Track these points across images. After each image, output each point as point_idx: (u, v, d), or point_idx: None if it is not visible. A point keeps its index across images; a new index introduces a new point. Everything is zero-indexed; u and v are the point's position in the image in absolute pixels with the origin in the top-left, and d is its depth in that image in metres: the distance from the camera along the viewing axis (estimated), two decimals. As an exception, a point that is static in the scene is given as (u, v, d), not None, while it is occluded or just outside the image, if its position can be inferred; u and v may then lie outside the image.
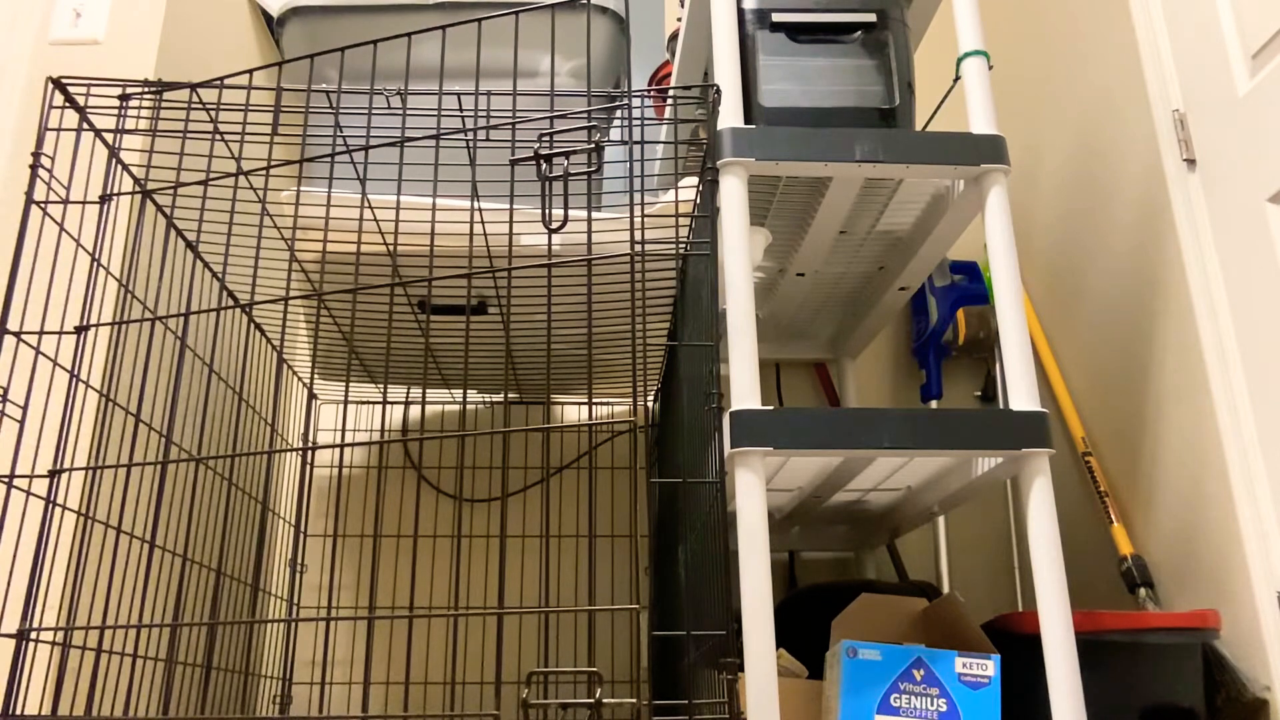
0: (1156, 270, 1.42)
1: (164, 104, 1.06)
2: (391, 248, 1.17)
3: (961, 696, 1.04)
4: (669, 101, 1.23)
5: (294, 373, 1.77)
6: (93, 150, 1.23)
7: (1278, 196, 1.20)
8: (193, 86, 1.03)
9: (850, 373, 1.85)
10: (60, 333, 1.14)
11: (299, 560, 1.78)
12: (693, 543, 1.15)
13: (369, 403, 1.86)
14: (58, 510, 1.10)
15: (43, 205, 1.03)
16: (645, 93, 1.90)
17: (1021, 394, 1.10)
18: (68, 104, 1.02)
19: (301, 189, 1.17)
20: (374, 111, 1.04)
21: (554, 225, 0.90)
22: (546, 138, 0.92)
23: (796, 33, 1.27)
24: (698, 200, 1.16)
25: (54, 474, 0.95)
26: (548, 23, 1.35)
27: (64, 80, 1.02)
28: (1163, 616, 1.17)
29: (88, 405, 1.17)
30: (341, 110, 1.13)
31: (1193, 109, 1.37)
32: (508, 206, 1.18)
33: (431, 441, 1.86)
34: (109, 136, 1.05)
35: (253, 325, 1.50)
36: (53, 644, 1.05)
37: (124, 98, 1.05)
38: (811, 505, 1.48)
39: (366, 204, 1.21)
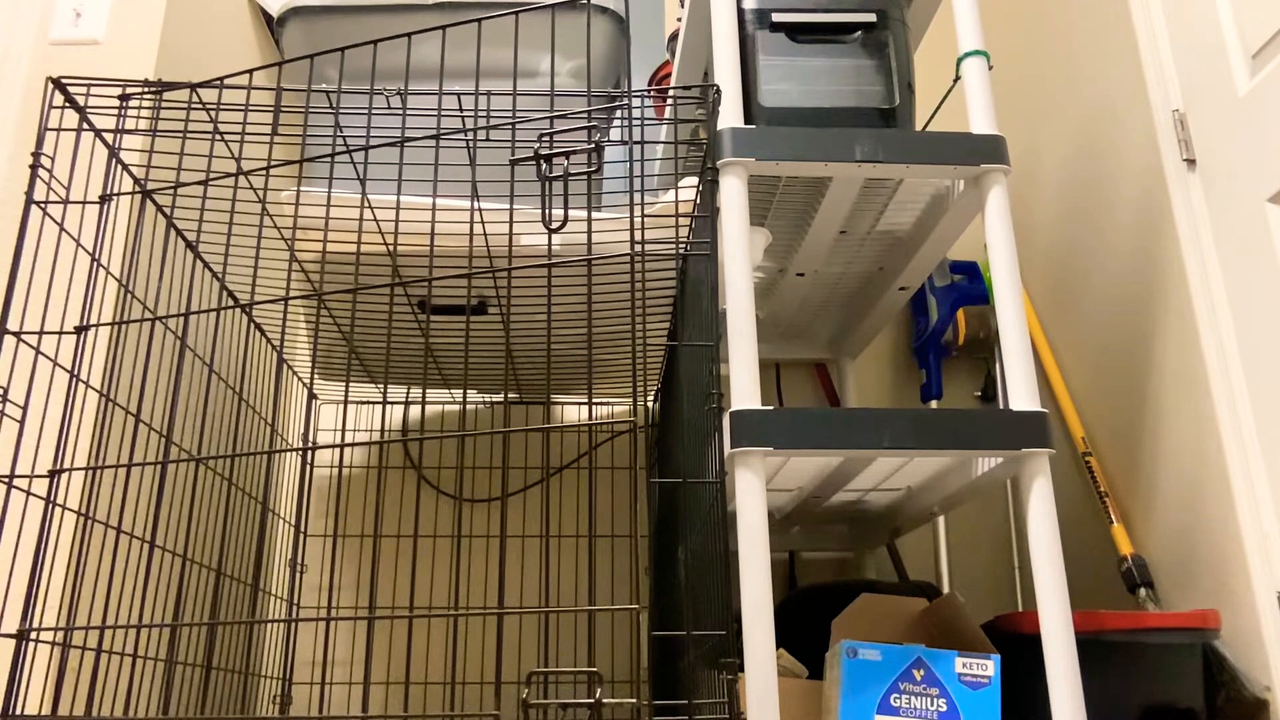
0: (1156, 270, 1.42)
1: (164, 104, 1.06)
2: (391, 248, 1.17)
3: (961, 696, 1.04)
4: (669, 101, 1.23)
5: (294, 373, 1.77)
6: (93, 150, 1.23)
7: (1278, 196, 1.20)
8: (193, 86, 1.03)
9: (850, 373, 1.85)
10: (60, 333, 1.14)
11: (299, 560, 1.78)
12: (693, 543, 1.15)
13: (369, 403, 1.86)
14: (58, 510, 1.10)
15: (43, 205, 1.03)
16: (645, 93, 1.90)
17: (1021, 394, 1.10)
18: (68, 104, 1.02)
19: (301, 189, 1.17)
20: (374, 111, 1.04)
21: (554, 225, 0.90)
22: (546, 138, 0.92)
23: (796, 33, 1.27)
24: (698, 200, 1.16)
25: (54, 474, 0.95)
26: (548, 23, 1.35)
27: (64, 80, 1.02)
28: (1163, 616, 1.17)
29: (88, 405, 1.17)
30: (341, 110, 1.13)
31: (1193, 109, 1.36)
32: (508, 206, 1.18)
33: (431, 441, 1.86)
34: (109, 136, 1.05)
35: (253, 325, 1.50)
36: (53, 644, 1.05)
37: (124, 98, 1.05)
38: (811, 505, 1.48)
39: (366, 204, 1.21)
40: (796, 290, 1.65)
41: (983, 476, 1.18)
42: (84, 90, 1.03)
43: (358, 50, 1.32)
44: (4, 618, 1.04)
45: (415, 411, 1.88)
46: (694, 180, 1.20)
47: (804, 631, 1.33)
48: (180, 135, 1.05)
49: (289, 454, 1.79)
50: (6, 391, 1.11)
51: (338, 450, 1.83)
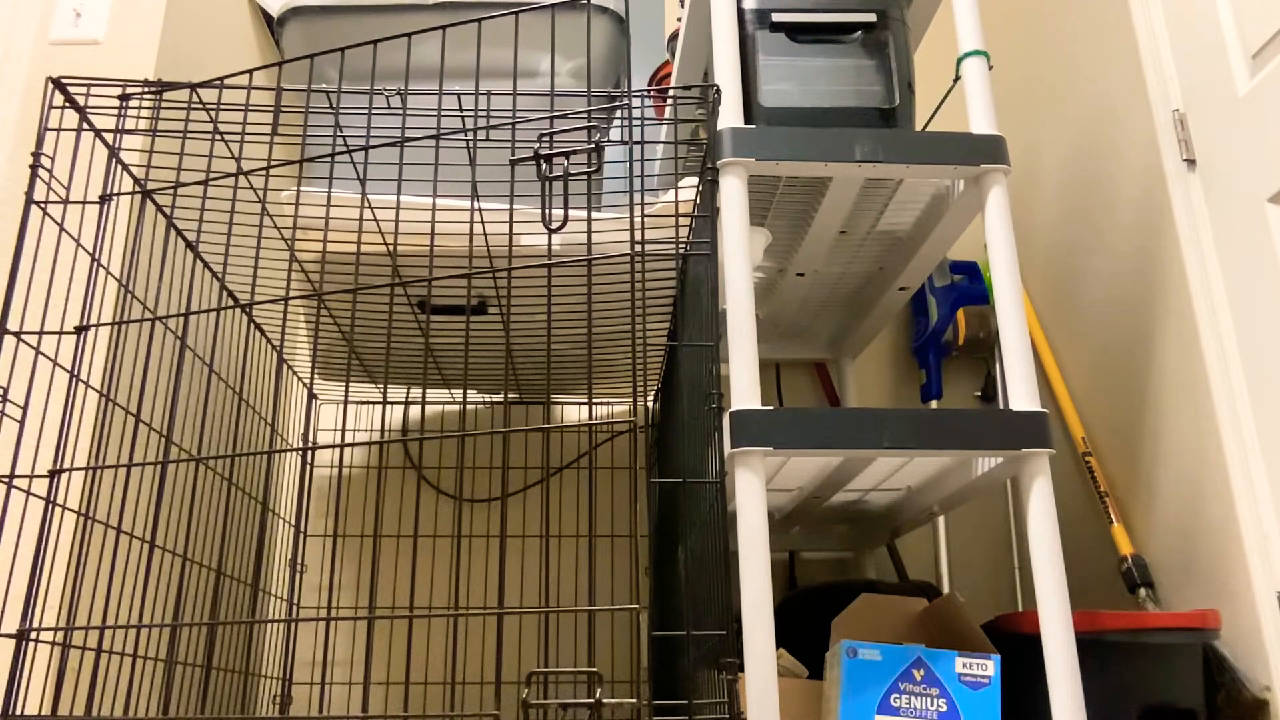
0: (1156, 270, 1.42)
1: (164, 104, 1.06)
2: (391, 248, 1.17)
3: (961, 696, 1.04)
4: (669, 101, 1.23)
5: (294, 373, 1.77)
6: (93, 150, 1.23)
7: (1278, 196, 1.20)
8: (193, 86, 1.03)
9: (850, 373, 1.85)
10: (60, 333, 1.14)
11: (299, 560, 1.78)
12: (693, 543, 1.15)
13: (369, 403, 1.86)
14: (58, 510, 1.10)
15: (43, 205, 1.03)
16: (645, 93, 1.90)
17: (1021, 394, 1.10)
18: (68, 104, 1.02)
19: (301, 189, 1.17)
20: (374, 111, 1.04)
21: (554, 225, 0.90)
22: (546, 138, 0.92)
23: (796, 33, 1.27)
24: (698, 200, 1.16)
25: (54, 474, 0.95)
26: (548, 23, 1.35)
27: (64, 80, 1.02)
28: (1163, 616, 1.17)
29: (88, 405, 1.17)
30: (341, 110, 1.13)
31: (1193, 109, 1.36)
32: (508, 206, 1.18)
33: (431, 441, 1.86)
34: (109, 136, 1.05)
35: (253, 325, 1.50)
36: (53, 644, 1.05)
37: (124, 98, 1.05)
38: (811, 505, 1.48)
39: (366, 204, 1.21)
40: (796, 290, 1.65)
41: (983, 476, 1.18)
42: (84, 90, 1.03)
43: (358, 50, 1.32)
44: (4, 618, 1.04)
45: (415, 411, 1.88)
46: (694, 180, 1.20)
47: (804, 631, 1.33)
48: (180, 135, 1.05)
49: (289, 454, 1.79)
50: (6, 391, 1.11)
51: (338, 450, 1.83)
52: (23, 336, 1.11)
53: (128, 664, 1.20)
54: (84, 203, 1.21)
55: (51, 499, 0.95)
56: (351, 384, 1.75)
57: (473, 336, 1.53)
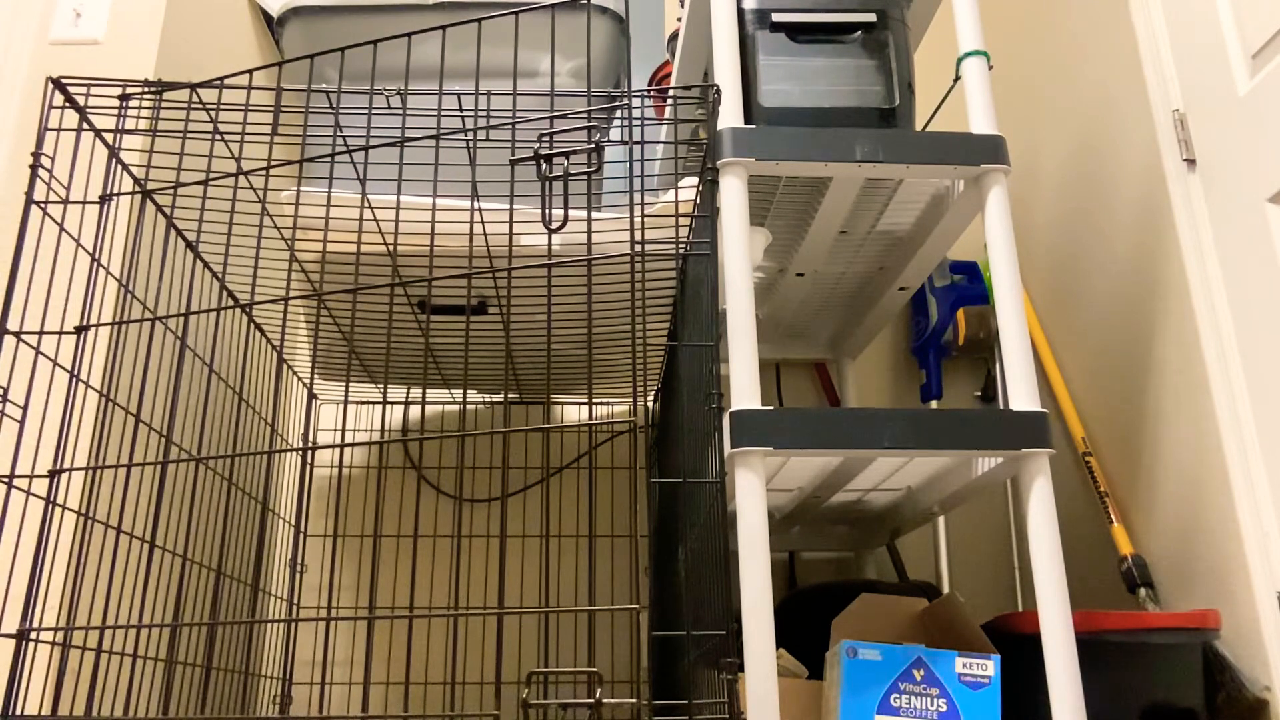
0: (1156, 270, 1.42)
1: (164, 104, 1.06)
2: (391, 248, 1.17)
3: (961, 696, 1.04)
4: (669, 101, 1.23)
5: (294, 373, 1.77)
6: (93, 150, 1.23)
7: (1278, 196, 1.20)
8: (193, 86, 1.03)
9: (850, 373, 1.85)
10: (60, 333, 1.14)
11: (299, 560, 1.78)
12: (693, 543, 1.15)
13: (369, 403, 1.86)
14: (58, 510, 1.10)
15: (43, 205, 1.03)
16: (645, 93, 1.90)
17: (1021, 394, 1.10)
18: (68, 104, 1.02)
19: (301, 189, 1.17)
20: (374, 111, 1.04)
21: (554, 225, 0.90)
22: (546, 138, 0.92)
23: (796, 33, 1.27)
24: (698, 200, 1.16)
25: (54, 474, 0.95)
26: (548, 23, 1.35)
27: (64, 80, 1.02)
28: (1163, 616, 1.17)
29: (88, 405, 1.17)
30: (341, 110, 1.13)
31: (1193, 109, 1.36)
32: (508, 206, 1.18)
33: (431, 441, 1.86)
34: (109, 136, 1.05)
35: (253, 325, 1.50)
36: (53, 644, 1.05)
37: (124, 98, 1.05)
38: (811, 505, 1.48)
39: (366, 204, 1.21)
40: (796, 290, 1.65)
41: (983, 476, 1.18)
42: (84, 90, 1.03)
43: (358, 50, 1.32)
44: (4, 618, 1.04)
45: (415, 411, 1.88)
46: (694, 180, 1.20)
47: (804, 631, 1.33)
48: (180, 135, 1.05)
49: (289, 454, 1.79)
50: (6, 391, 1.11)
51: (338, 450, 1.83)
52: (23, 336, 1.11)
53: (128, 664, 1.20)
54: (84, 203, 1.21)
55: (51, 499, 0.95)
56: (351, 384, 1.75)
57: (473, 336, 1.53)
